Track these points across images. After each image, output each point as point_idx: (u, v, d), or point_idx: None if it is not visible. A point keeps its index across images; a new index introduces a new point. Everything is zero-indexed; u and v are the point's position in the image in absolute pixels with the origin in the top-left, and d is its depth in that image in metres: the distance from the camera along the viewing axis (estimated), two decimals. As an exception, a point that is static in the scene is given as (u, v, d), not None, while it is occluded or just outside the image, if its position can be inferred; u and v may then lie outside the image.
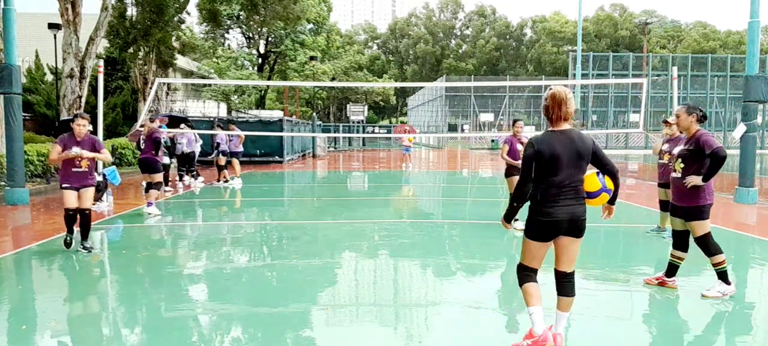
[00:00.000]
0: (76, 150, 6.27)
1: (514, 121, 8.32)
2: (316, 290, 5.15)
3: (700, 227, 4.79)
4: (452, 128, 52.92)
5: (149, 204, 9.26)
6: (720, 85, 40.57)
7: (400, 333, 4.10)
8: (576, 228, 3.43)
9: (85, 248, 6.44)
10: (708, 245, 4.80)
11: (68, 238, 6.50)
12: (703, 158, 4.69)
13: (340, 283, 5.47)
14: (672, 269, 5.06)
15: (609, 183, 3.52)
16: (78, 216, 6.47)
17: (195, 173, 14.20)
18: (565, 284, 3.56)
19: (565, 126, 3.44)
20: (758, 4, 11.00)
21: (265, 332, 4.06)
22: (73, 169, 6.34)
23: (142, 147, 9.87)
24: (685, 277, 5.70)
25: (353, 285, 5.42)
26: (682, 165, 4.83)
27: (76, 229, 6.61)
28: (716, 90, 40.25)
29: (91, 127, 6.72)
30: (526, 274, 3.56)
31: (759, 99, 11.21)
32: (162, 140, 9.98)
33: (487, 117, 47.63)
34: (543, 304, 3.50)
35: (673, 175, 4.93)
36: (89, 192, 6.50)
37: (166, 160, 12.54)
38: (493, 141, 42.04)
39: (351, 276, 5.77)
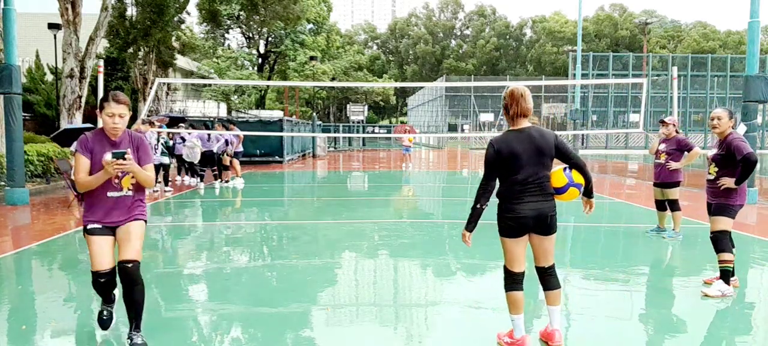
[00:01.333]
0: (109, 157, 3.39)
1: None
2: (316, 290, 5.15)
3: (722, 223, 4.85)
4: (452, 128, 52.91)
5: None
6: (720, 85, 40.55)
7: (400, 333, 4.10)
8: (544, 225, 3.44)
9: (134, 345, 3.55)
10: (721, 241, 4.83)
11: (105, 312, 3.82)
12: (736, 161, 4.77)
13: (340, 283, 5.47)
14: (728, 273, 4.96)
15: (577, 177, 3.49)
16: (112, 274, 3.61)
17: (202, 174, 14.10)
18: (546, 278, 3.60)
19: (525, 124, 3.45)
20: (758, 4, 11.00)
21: (265, 332, 4.06)
22: (109, 195, 3.51)
23: None
24: (684, 277, 5.71)
25: (353, 285, 5.42)
26: (716, 168, 4.92)
27: (116, 292, 3.90)
28: (716, 90, 40.23)
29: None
30: (511, 281, 3.57)
31: (759, 99, 11.21)
32: (151, 142, 9.81)
33: (487, 117, 47.61)
34: (526, 306, 3.52)
35: (708, 177, 5.04)
36: (137, 229, 3.58)
37: (165, 160, 12.55)
38: (493, 141, 41.97)
39: (351, 276, 5.77)
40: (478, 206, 3.48)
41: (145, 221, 3.72)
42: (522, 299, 3.56)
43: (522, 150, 3.37)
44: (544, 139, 3.40)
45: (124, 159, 3.36)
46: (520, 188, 3.40)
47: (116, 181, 3.51)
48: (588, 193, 3.59)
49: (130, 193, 3.59)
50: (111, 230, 3.58)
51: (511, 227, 3.46)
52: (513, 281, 3.56)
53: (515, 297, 3.55)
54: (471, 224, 3.55)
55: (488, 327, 4.03)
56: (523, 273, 3.57)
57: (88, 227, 3.55)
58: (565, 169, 3.52)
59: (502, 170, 3.43)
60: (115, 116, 3.48)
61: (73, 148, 7.88)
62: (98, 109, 3.59)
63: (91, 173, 3.48)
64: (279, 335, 3.96)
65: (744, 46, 16.56)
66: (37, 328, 4.11)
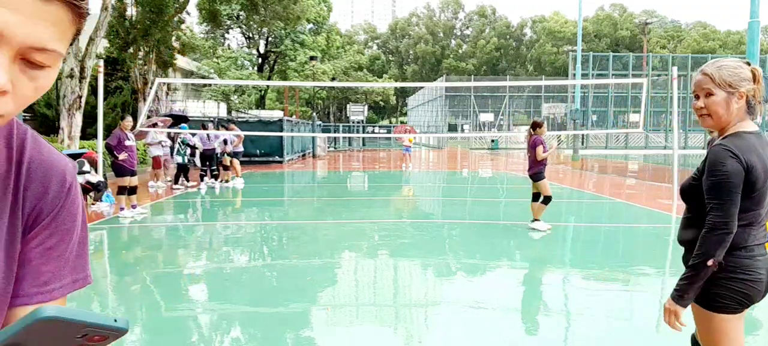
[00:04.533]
0: None
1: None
2: (316, 290, 5.15)
3: None
4: (452, 128, 52.94)
5: (121, 209, 8.94)
6: (720, 85, 40.48)
7: (400, 333, 4.10)
8: None
9: None
10: None
11: None
12: None
13: (340, 283, 5.47)
14: None
15: None
16: None
17: (216, 172, 14.03)
18: None
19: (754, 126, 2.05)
20: (758, 4, 11.01)
21: (265, 332, 4.06)
22: None
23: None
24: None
25: (353, 285, 5.42)
26: None
27: None
28: (716, 90, 40.15)
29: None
30: None
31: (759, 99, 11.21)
32: (126, 143, 9.46)
33: (487, 117, 47.64)
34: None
35: None
36: None
37: (179, 159, 12.58)
38: (493, 141, 42.05)
39: (351, 276, 5.77)
40: (712, 262, 1.92)
41: None
42: None
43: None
44: None
45: None
46: (756, 230, 1.99)
47: None
48: None
49: None
50: None
51: (745, 296, 1.99)
52: None
53: None
54: (692, 292, 2.09)
55: (488, 327, 4.03)
56: None
57: None
58: None
59: (742, 199, 1.93)
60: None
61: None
62: None
63: None
64: (279, 335, 3.96)
65: (744, 46, 16.56)
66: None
